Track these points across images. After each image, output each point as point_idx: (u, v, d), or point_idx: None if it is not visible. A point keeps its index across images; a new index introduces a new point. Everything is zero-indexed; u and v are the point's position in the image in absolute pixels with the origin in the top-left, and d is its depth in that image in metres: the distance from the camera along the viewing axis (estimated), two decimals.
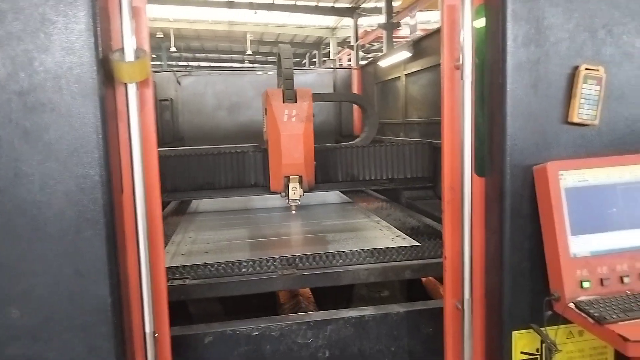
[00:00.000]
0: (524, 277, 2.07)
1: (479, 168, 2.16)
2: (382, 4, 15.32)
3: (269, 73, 7.52)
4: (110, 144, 1.84)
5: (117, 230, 1.86)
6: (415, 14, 14.91)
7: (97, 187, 1.78)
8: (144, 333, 1.95)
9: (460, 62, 2.05)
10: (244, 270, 2.83)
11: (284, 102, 3.92)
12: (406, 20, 15.92)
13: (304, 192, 3.95)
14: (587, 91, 2.00)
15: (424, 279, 3.37)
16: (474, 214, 2.13)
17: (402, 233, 3.54)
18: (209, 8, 18.60)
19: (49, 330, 1.80)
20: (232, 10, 18.72)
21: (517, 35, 1.97)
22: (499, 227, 2.06)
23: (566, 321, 1.97)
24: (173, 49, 23.07)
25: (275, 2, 17.91)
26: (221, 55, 29.75)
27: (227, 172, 4.32)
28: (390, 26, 15.31)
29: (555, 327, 2.04)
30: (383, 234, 3.55)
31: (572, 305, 1.85)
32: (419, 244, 3.23)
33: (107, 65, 1.82)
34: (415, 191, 5.11)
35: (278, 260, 2.98)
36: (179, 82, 7.24)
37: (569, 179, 1.95)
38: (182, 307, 2.94)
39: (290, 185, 3.88)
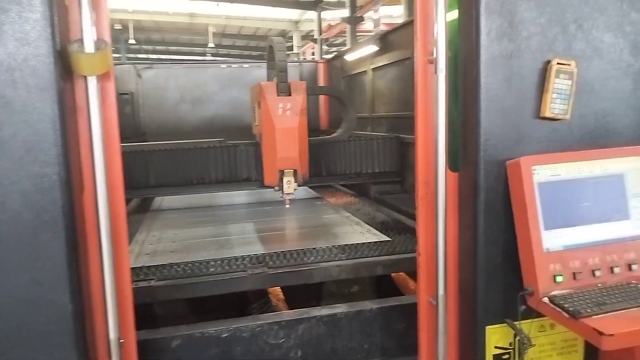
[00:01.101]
0: (498, 271, 2.07)
1: (452, 163, 2.14)
2: None
3: (233, 66, 7.38)
4: (70, 140, 1.72)
5: (77, 232, 1.75)
6: (379, 8, 14.97)
7: (56, 186, 1.67)
8: (109, 340, 1.85)
9: (434, 55, 2.03)
10: (212, 270, 2.74)
11: (278, 95, 3.86)
12: (370, 15, 15.98)
13: (298, 185, 3.92)
14: (559, 86, 2.00)
15: (393, 274, 3.36)
16: (448, 209, 2.11)
17: (372, 228, 3.52)
18: None
19: (6, 343, 1.68)
20: (193, 2, 18.33)
21: (490, 29, 1.95)
22: (473, 222, 2.06)
23: (539, 315, 1.99)
24: (132, 41, 22.42)
25: None
26: (182, 47, 29.11)
27: (218, 167, 4.25)
28: (354, 20, 15.36)
29: (529, 321, 2.05)
30: (353, 230, 3.52)
31: (546, 299, 1.86)
32: (389, 239, 3.21)
33: (66, 57, 1.70)
34: (384, 185, 5.12)
35: (247, 258, 2.90)
36: (139, 75, 7.01)
37: (542, 173, 1.95)
38: (147, 309, 2.83)
39: (285, 179, 3.85)
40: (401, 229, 3.50)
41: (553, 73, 1.99)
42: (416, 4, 2.10)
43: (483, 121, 1.99)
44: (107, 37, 1.80)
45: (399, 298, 2.69)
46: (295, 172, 3.89)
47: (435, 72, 2.01)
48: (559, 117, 2.03)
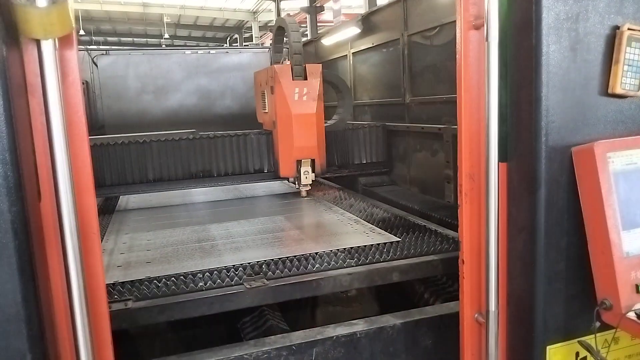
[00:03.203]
0: (559, 281, 1.72)
1: (500, 151, 1.77)
2: None
3: (199, 52, 6.83)
4: (19, 130, 1.25)
5: (35, 255, 1.28)
6: None
7: (2, 194, 1.20)
8: None
9: (482, 20, 1.65)
10: (200, 284, 2.29)
11: (293, 80, 3.65)
12: (330, 5, 15.65)
13: (316, 177, 3.79)
14: (631, 56, 1.66)
15: None
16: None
17: (374, 227, 3.14)
18: None
19: None
20: None
21: None
22: (530, 222, 1.69)
23: (604, 329, 1.67)
24: (82, 32, 21.27)
25: None
26: (135, 39, 27.97)
27: (227, 158, 4.00)
28: (314, 10, 15.06)
29: (590, 337, 1.73)
30: (354, 229, 3.13)
31: (632, 315, 1.52)
32: (398, 239, 2.83)
33: (8, 14, 1.23)
34: (371, 177, 4.79)
35: (241, 268, 2.47)
36: (95, 63, 6.37)
37: (617, 162, 1.61)
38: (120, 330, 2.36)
39: (302, 170, 3.70)
40: (405, 226, 3.14)
41: (625, 40, 1.65)
42: None
43: (544, 99, 1.62)
44: None
45: (423, 310, 2.32)
46: (313, 162, 3.72)
47: (487, 40, 1.63)
48: (630, 94, 1.69)
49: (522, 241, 1.74)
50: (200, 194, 4.56)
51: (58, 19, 1.25)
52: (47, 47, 1.27)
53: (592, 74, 1.67)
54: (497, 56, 1.64)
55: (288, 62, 3.88)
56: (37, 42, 1.27)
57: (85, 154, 1.43)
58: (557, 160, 1.66)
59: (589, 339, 1.73)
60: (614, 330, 1.65)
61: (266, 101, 4.15)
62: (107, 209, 4.17)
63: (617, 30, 1.67)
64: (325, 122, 4.25)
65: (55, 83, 1.29)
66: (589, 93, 1.68)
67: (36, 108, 1.35)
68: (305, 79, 3.76)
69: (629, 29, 1.66)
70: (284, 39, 4.40)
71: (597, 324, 1.64)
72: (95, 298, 1.46)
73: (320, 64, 4.03)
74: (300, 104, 3.68)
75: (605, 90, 1.69)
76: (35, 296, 1.26)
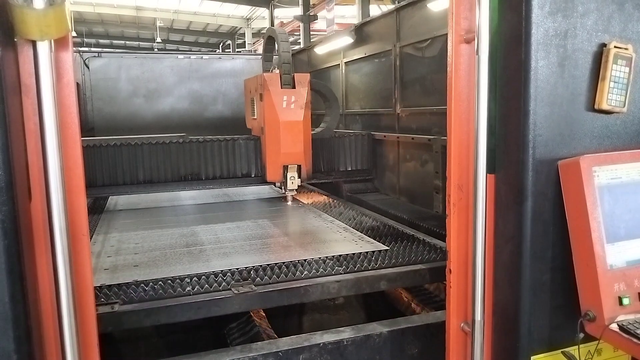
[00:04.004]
0: (544, 292, 1.75)
1: (488, 163, 1.80)
2: None
3: (192, 57, 6.84)
4: (12, 129, 1.25)
5: (23, 256, 1.28)
6: (333, 7, 14.75)
7: None
8: None
9: (473, 34, 1.68)
10: (188, 289, 2.28)
11: (281, 88, 3.79)
12: (323, 14, 15.75)
13: (302, 182, 3.92)
14: (617, 73, 1.71)
15: None
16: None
17: (364, 235, 3.16)
18: None
19: None
20: None
21: (544, 1, 1.62)
22: (516, 233, 1.72)
23: (587, 340, 1.70)
24: (73, 33, 21.17)
25: None
26: (128, 42, 27.87)
27: (216, 162, 4.13)
28: (307, 19, 15.16)
29: (574, 347, 1.75)
30: (343, 237, 3.14)
31: (614, 326, 1.55)
32: (387, 247, 2.85)
33: (4, 14, 1.23)
34: (355, 184, 4.88)
35: (229, 273, 2.47)
36: (86, 65, 6.34)
37: (602, 176, 1.65)
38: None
39: (289, 175, 3.84)
40: (395, 235, 3.16)
41: (611, 58, 1.69)
42: None
43: (532, 113, 1.66)
44: None
45: (410, 319, 2.33)
46: (299, 168, 3.85)
47: (477, 53, 1.66)
48: (616, 109, 1.73)
49: (508, 252, 1.77)
50: (189, 197, 4.55)
51: (55, 20, 1.26)
52: (43, 48, 1.27)
53: (580, 89, 1.71)
54: (487, 70, 1.67)
55: (277, 71, 3.97)
56: (33, 43, 1.27)
57: (77, 155, 1.44)
58: (543, 173, 1.69)
59: (573, 350, 1.76)
60: (597, 341, 1.68)
61: (255, 108, 4.25)
62: (96, 209, 4.15)
63: (604, 48, 1.71)
64: (313, 130, 4.34)
65: (50, 84, 1.29)
66: (576, 108, 1.72)
67: (29, 108, 1.35)
68: (294, 87, 3.87)
69: (615, 46, 1.70)
70: (274, 48, 4.50)
71: (581, 335, 1.67)
72: (83, 300, 1.45)
73: (309, 74, 4.15)
74: (288, 111, 3.79)
75: (591, 106, 1.73)
76: (23, 296, 1.25)
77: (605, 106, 1.71)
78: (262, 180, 4.17)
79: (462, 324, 1.86)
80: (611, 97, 1.71)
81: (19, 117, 1.33)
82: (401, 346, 2.23)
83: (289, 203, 4.08)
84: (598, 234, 1.59)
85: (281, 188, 4.19)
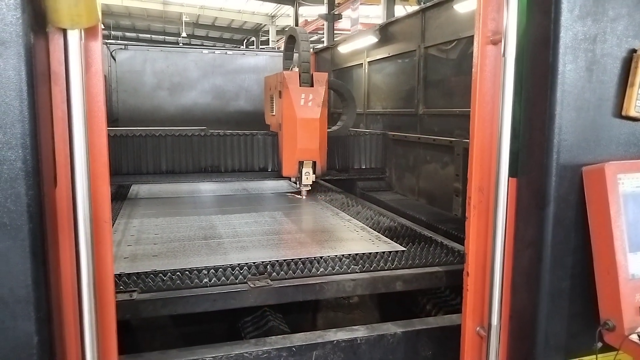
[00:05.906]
0: (563, 299, 1.72)
1: (511, 167, 1.78)
2: None
3: (216, 52, 6.89)
4: (40, 116, 1.28)
5: (47, 239, 1.31)
6: (358, 7, 14.71)
7: (20, 178, 1.23)
8: None
9: (500, 35, 1.66)
10: (205, 280, 2.31)
11: (300, 86, 3.89)
12: (348, 13, 15.72)
13: (316, 178, 4.04)
14: None
15: None
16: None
17: (380, 235, 3.15)
18: None
19: None
20: None
21: (574, 4, 1.60)
22: (537, 239, 1.70)
23: (605, 349, 1.67)
24: (101, 25, 21.50)
25: None
26: (154, 36, 28.23)
27: (235, 155, 4.31)
28: (332, 17, 15.16)
29: (592, 357, 1.73)
30: (360, 236, 3.14)
31: (635, 337, 1.52)
32: (404, 248, 2.84)
33: (37, 3, 1.26)
34: (369, 182, 4.99)
35: (246, 267, 2.49)
36: (113, 57, 6.44)
37: (627, 184, 1.61)
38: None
39: (304, 170, 3.96)
40: (412, 236, 3.14)
41: None
42: None
43: (558, 117, 1.63)
44: None
45: (425, 320, 2.32)
46: (314, 164, 3.96)
47: (503, 55, 1.64)
48: None
49: (528, 257, 1.75)
50: (208, 190, 4.61)
51: (86, 10, 1.28)
52: (73, 37, 1.30)
53: (607, 95, 1.68)
54: (513, 72, 1.65)
55: (297, 69, 4.04)
56: (64, 32, 1.30)
57: (102, 144, 1.46)
58: (567, 179, 1.66)
59: None
60: (615, 352, 1.65)
61: (274, 104, 4.36)
62: (118, 197, 4.24)
63: (634, 54, 1.68)
64: (329, 128, 4.40)
65: (79, 72, 1.32)
66: (602, 114, 1.69)
67: (58, 96, 1.38)
68: (312, 86, 3.94)
69: None
70: (295, 47, 4.58)
71: (599, 344, 1.64)
72: (103, 286, 1.48)
73: (327, 73, 4.25)
74: (305, 109, 3.88)
75: (619, 112, 1.70)
76: (45, 280, 1.28)
77: (633, 113, 1.67)
78: (278, 175, 4.31)
79: (477, 328, 1.84)
80: (639, 104, 1.68)
81: (48, 105, 1.36)
82: (415, 348, 2.22)
83: (304, 198, 4.20)
84: (621, 243, 1.56)
85: (296, 183, 4.32)
